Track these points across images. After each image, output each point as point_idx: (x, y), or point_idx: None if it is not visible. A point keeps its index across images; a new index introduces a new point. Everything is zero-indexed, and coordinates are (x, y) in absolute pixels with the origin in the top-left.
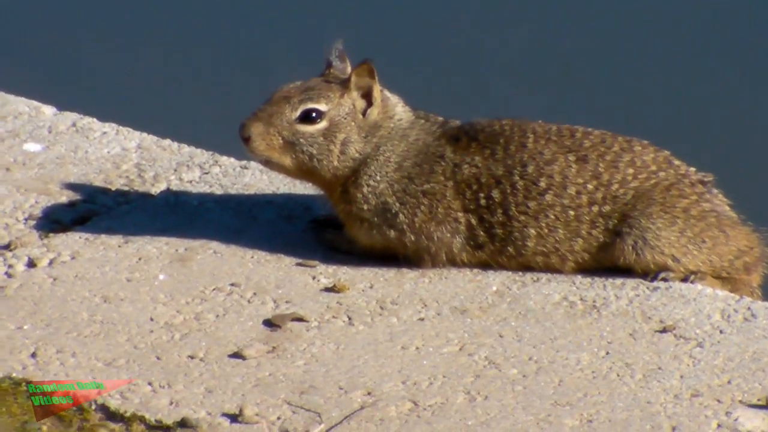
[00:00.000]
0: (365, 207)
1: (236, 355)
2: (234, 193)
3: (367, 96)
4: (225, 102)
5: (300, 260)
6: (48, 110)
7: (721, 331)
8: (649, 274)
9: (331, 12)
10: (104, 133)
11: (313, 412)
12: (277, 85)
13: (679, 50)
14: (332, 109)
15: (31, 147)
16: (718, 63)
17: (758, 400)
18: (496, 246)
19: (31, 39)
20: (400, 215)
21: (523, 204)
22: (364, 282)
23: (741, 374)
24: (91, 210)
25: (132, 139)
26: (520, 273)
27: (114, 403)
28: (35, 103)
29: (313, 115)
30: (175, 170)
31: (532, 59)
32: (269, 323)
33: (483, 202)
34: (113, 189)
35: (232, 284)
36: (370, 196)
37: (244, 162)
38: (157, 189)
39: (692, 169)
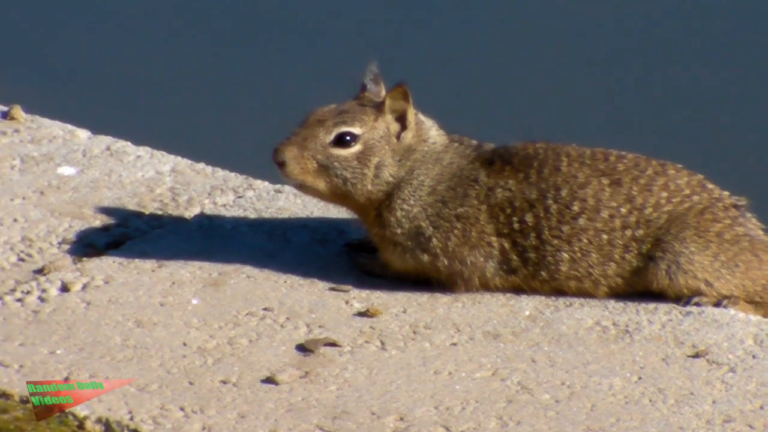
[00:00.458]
0: (399, 231)
1: (269, 380)
2: (268, 217)
3: (402, 119)
4: (259, 125)
5: (333, 284)
6: (82, 134)
7: (753, 357)
8: (682, 298)
9: (367, 34)
10: (138, 156)
11: None
12: (311, 108)
13: (713, 74)
14: (366, 133)
15: (66, 171)
16: (754, 87)
17: None
18: (529, 270)
19: (66, 63)
20: (434, 239)
21: (556, 228)
22: (398, 306)
23: None
24: (125, 234)
25: (166, 162)
26: (553, 297)
27: (146, 429)
28: (70, 126)
29: (348, 138)
30: (209, 194)
31: (561, 80)
32: (302, 348)
33: (516, 226)
34: (147, 213)
35: (266, 309)
36: (403, 219)
37: (278, 186)
38: (190, 213)
39: (726, 192)
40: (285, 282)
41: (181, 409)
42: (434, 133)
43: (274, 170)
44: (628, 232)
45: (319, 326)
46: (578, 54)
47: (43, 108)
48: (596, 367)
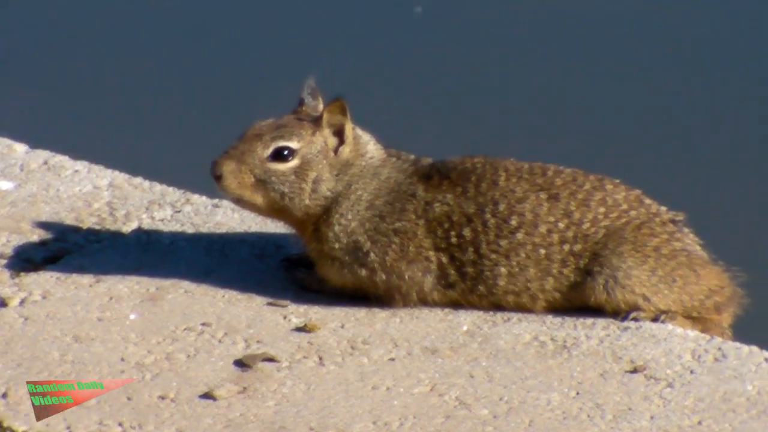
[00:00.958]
0: (336, 246)
1: (207, 395)
2: (206, 232)
3: (339, 134)
4: (196, 139)
5: (271, 299)
6: (20, 148)
7: (691, 372)
8: (620, 313)
9: (304, 48)
10: (76, 171)
11: None
12: (249, 122)
13: (650, 89)
14: (304, 147)
15: (3, 185)
16: (690, 104)
17: None
18: (468, 285)
19: (1, 76)
20: (372, 254)
21: (494, 242)
22: (336, 321)
23: (711, 415)
24: (63, 248)
25: (104, 177)
26: (491, 312)
27: None
28: (7, 140)
29: (285, 153)
30: (147, 208)
31: (499, 92)
32: (240, 363)
33: (454, 240)
34: (85, 227)
35: (204, 324)
36: (341, 234)
37: (215, 200)
38: (128, 227)
39: (663, 208)
40: (223, 297)
41: (120, 424)
42: (372, 148)
43: (212, 184)
44: (566, 247)
45: (257, 341)
46: (517, 67)
47: None
48: (534, 382)
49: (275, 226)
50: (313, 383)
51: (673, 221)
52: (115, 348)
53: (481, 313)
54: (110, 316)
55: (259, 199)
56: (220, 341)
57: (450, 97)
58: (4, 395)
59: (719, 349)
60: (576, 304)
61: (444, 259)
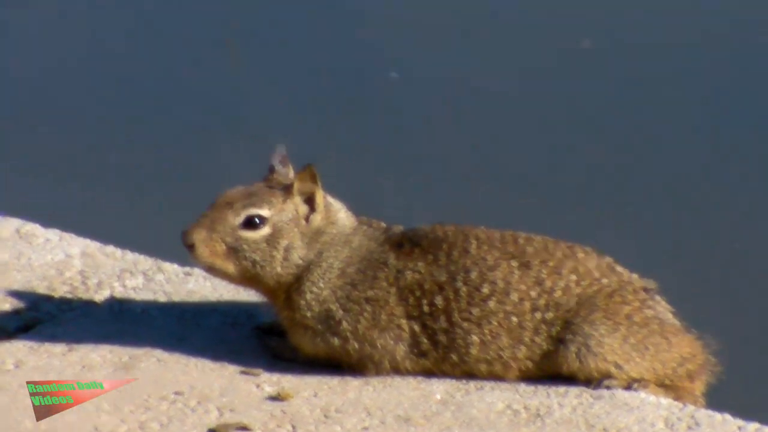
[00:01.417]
0: (308, 314)
1: None
2: (178, 300)
3: (310, 201)
4: (168, 207)
5: (244, 368)
6: None
7: None
8: (593, 381)
9: (276, 118)
10: (47, 239)
11: None
12: (220, 190)
13: (621, 154)
14: (275, 215)
15: None
16: (660, 169)
17: None
18: (440, 353)
19: None
20: (344, 322)
21: (466, 310)
22: (309, 390)
23: None
24: (35, 317)
25: (75, 245)
26: (464, 380)
27: None
28: None
29: (256, 221)
30: (119, 277)
31: (474, 158)
32: None
33: (426, 308)
34: (57, 296)
35: (176, 392)
36: (313, 302)
37: (187, 268)
38: (101, 296)
39: (635, 275)
40: (196, 365)
41: None
42: (343, 216)
43: (184, 252)
44: (538, 315)
45: (230, 410)
46: (493, 133)
47: None
48: None
49: (247, 294)
50: None
51: (645, 289)
52: (88, 417)
53: (454, 381)
54: None
55: (230, 267)
56: (193, 410)
57: (422, 165)
58: None
59: (692, 417)
60: (549, 372)
61: (416, 328)
